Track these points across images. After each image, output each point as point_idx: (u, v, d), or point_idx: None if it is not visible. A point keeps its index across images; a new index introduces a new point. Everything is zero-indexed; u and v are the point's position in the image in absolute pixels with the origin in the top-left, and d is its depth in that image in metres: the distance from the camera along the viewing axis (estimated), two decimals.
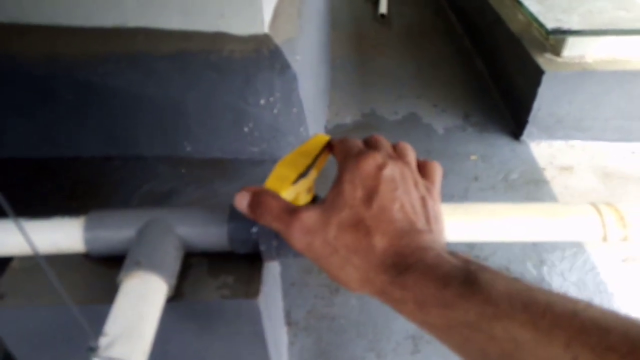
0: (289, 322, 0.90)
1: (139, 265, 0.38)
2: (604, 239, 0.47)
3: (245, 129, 1.27)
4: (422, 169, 0.36)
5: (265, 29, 1.18)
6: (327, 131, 1.52)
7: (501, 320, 0.23)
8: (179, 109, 1.23)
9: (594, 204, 0.48)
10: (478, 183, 1.26)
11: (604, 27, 1.25)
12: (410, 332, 0.89)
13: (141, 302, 0.37)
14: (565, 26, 1.26)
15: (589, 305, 0.23)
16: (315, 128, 1.40)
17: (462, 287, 0.25)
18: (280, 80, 1.19)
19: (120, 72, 1.17)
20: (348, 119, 1.57)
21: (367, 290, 0.30)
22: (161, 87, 1.19)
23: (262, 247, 0.43)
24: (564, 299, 0.23)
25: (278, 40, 1.19)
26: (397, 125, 1.53)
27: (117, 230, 0.42)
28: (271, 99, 1.22)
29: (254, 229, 0.43)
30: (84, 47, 1.15)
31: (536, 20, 1.33)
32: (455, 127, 1.51)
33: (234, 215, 0.43)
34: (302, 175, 0.40)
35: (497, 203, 0.45)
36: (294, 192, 0.39)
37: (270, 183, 0.39)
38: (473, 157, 1.35)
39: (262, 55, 1.16)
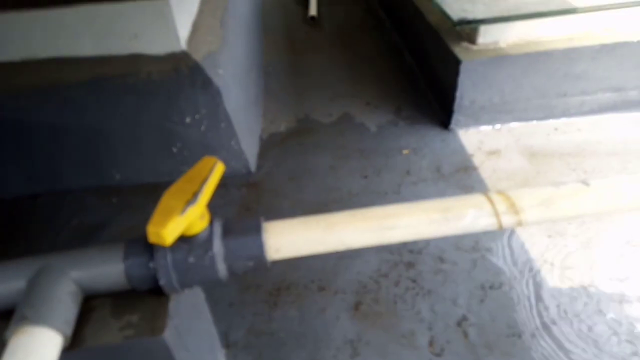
0: (227, 344, 0.89)
1: (25, 319, 0.37)
2: (500, 227, 0.49)
3: (174, 149, 1.25)
4: None
5: (183, 45, 1.16)
6: (263, 140, 1.51)
7: None
8: (101, 137, 1.19)
9: (486, 194, 0.50)
10: (410, 177, 1.29)
11: (507, 14, 1.30)
12: (349, 336, 0.90)
13: (30, 359, 0.35)
14: (470, 16, 1.30)
15: None
16: (249, 139, 1.39)
17: None
18: (204, 96, 1.18)
19: (34, 106, 1.12)
20: (283, 126, 1.57)
21: None
22: (79, 116, 1.15)
23: (162, 282, 0.42)
24: None
25: (197, 55, 1.17)
26: (331, 127, 1.54)
27: (4, 283, 0.41)
28: (197, 116, 1.20)
29: (151, 264, 0.42)
30: None
31: (443, 12, 1.37)
32: (388, 122, 1.53)
33: (130, 252, 0.42)
34: (190, 202, 0.39)
35: (393, 205, 0.46)
36: (185, 222, 0.39)
37: (157, 218, 0.38)
38: (405, 152, 1.38)
39: (182, 73, 1.14)
